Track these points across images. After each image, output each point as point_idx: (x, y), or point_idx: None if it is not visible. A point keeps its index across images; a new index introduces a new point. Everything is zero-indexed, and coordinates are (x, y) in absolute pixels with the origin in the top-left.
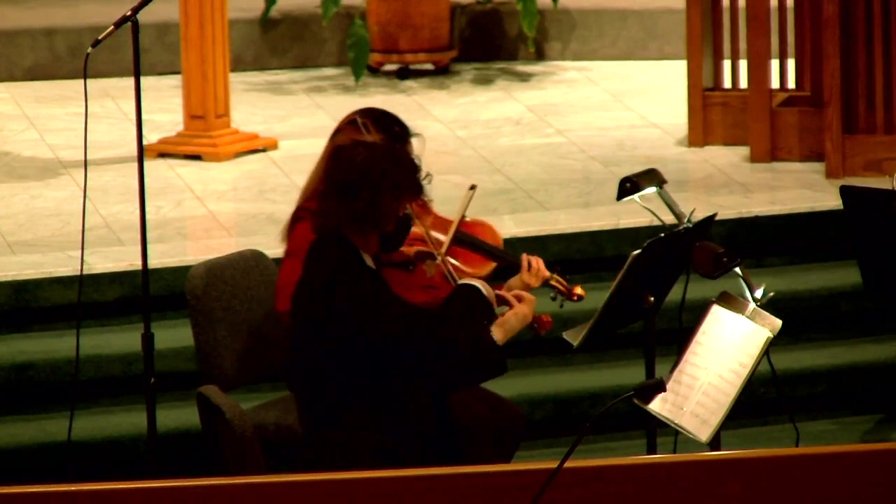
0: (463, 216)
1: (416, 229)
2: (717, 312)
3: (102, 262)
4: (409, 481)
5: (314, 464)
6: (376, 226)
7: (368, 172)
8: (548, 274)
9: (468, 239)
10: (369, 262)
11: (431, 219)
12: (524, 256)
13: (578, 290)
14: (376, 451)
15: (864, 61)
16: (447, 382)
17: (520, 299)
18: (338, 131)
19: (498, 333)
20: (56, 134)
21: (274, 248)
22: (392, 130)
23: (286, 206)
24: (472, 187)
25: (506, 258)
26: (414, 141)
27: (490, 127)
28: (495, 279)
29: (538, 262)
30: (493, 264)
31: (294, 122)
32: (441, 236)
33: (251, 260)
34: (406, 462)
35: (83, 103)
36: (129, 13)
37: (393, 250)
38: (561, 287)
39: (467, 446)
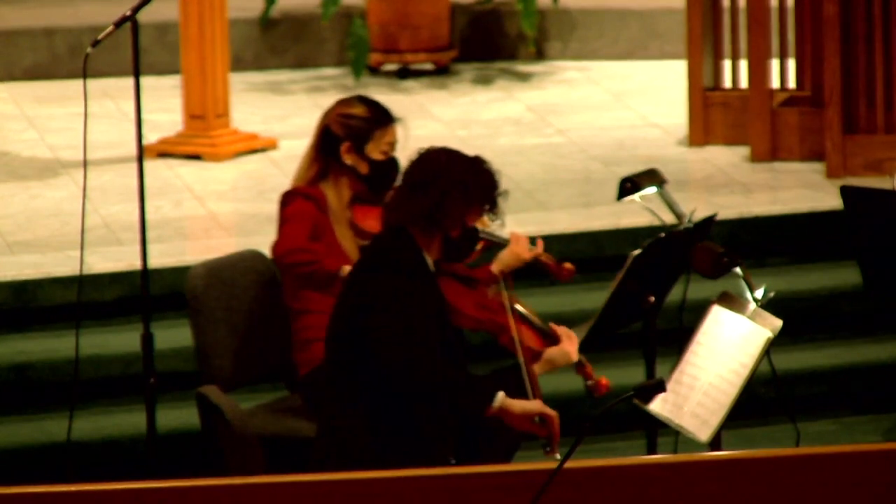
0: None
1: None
2: (717, 312)
3: (102, 262)
4: (408, 481)
5: (322, 446)
6: (440, 226)
7: (443, 174)
8: (539, 250)
9: None
10: (429, 263)
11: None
12: (511, 232)
13: (568, 266)
14: (386, 441)
15: (864, 61)
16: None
17: (567, 336)
18: (327, 111)
19: (538, 368)
20: (56, 134)
21: None
22: (375, 106)
23: None
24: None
25: (492, 238)
26: (398, 126)
27: (490, 127)
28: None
29: (523, 237)
30: (480, 243)
31: (294, 122)
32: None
33: (251, 260)
34: (411, 457)
35: (83, 103)
36: (128, 13)
37: (455, 261)
38: (550, 263)
39: (469, 446)
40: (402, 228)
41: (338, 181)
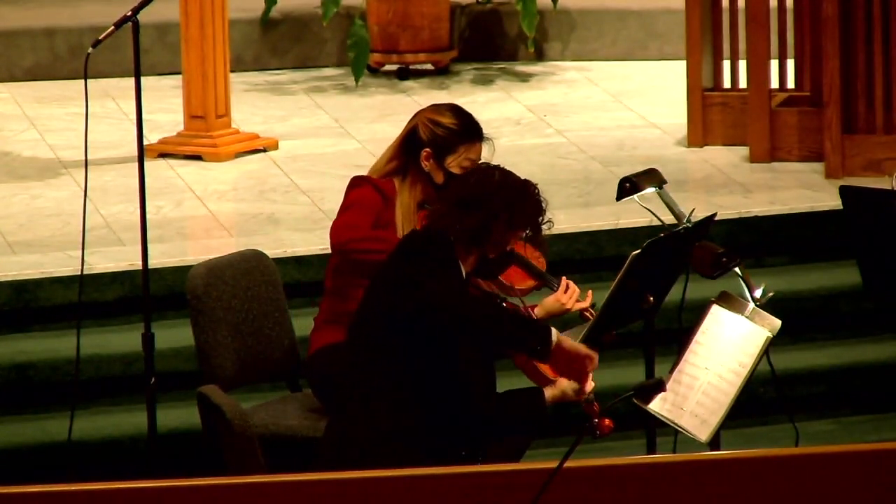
0: None
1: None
2: (716, 312)
3: (103, 262)
4: (409, 481)
5: (331, 441)
6: (481, 247)
7: (494, 195)
8: (586, 303)
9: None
10: (462, 271)
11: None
12: (563, 279)
13: None
14: (398, 438)
15: (864, 61)
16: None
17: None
18: (419, 111)
19: (549, 395)
20: (56, 134)
21: (274, 248)
22: (466, 120)
23: (286, 206)
24: None
25: (547, 280)
26: (485, 145)
27: (490, 127)
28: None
29: (575, 288)
30: (533, 282)
31: (294, 122)
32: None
33: (251, 260)
34: (417, 456)
35: (83, 103)
36: (129, 13)
37: (485, 278)
38: (590, 316)
39: (476, 447)
40: (443, 233)
41: (414, 182)
